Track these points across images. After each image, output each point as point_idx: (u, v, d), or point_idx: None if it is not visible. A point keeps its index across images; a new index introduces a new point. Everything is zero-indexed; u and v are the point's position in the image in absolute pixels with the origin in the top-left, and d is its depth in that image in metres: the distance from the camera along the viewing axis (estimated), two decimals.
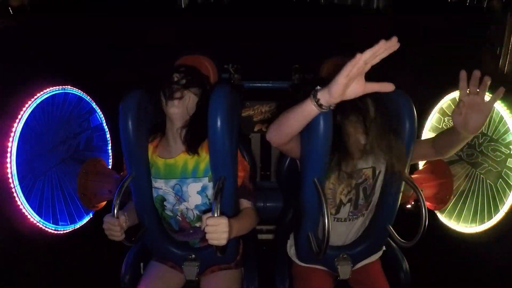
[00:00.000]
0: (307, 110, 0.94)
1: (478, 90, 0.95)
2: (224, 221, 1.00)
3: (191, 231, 1.32)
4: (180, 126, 1.23)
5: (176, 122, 1.22)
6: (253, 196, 1.29)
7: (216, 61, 1.56)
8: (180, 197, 1.25)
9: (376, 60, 0.79)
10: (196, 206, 1.26)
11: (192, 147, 1.21)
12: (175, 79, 1.22)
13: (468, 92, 0.97)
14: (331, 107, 0.95)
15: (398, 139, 1.20)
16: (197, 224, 1.28)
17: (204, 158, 1.22)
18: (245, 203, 1.26)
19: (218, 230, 1.00)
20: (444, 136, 1.17)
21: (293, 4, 2.63)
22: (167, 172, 1.25)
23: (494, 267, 1.52)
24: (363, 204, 1.31)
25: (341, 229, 1.34)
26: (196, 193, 1.24)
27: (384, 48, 0.77)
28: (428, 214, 1.18)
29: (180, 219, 1.29)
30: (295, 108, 0.98)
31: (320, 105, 0.91)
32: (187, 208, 1.26)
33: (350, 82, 0.84)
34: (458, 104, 0.99)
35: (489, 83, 0.93)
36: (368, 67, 0.81)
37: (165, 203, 1.27)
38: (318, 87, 0.91)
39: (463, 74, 0.96)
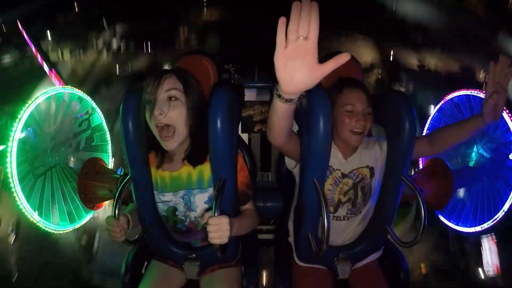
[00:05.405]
0: (278, 107, 0.87)
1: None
2: (225, 220, 1.01)
3: (196, 232, 1.32)
4: (178, 147, 1.17)
5: (175, 148, 1.16)
6: (254, 199, 1.31)
7: (216, 61, 1.55)
8: (189, 207, 1.25)
9: (308, 27, 0.65)
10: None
11: (196, 164, 1.21)
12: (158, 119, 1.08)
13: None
14: (299, 99, 0.83)
15: (397, 139, 1.20)
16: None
17: (208, 168, 1.20)
18: (246, 206, 1.29)
19: (220, 229, 1.01)
20: (449, 130, 1.25)
21: None
22: (174, 185, 1.24)
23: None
24: (361, 203, 1.32)
25: (340, 228, 1.34)
26: (203, 203, 1.24)
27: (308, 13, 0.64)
28: (428, 214, 1.18)
29: (190, 224, 1.29)
30: (271, 107, 0.93)
31: (283, 99, 0.82)
32: (195, 217, 1.27)
33: (290, 63, 0.71)
34: (489, 89, 1.10)
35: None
36: (310, 44, 0.67)
37: (176, 212, 1.27)
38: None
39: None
